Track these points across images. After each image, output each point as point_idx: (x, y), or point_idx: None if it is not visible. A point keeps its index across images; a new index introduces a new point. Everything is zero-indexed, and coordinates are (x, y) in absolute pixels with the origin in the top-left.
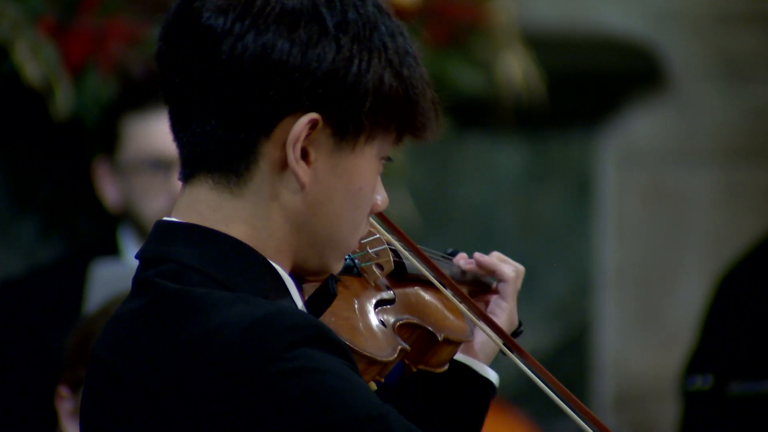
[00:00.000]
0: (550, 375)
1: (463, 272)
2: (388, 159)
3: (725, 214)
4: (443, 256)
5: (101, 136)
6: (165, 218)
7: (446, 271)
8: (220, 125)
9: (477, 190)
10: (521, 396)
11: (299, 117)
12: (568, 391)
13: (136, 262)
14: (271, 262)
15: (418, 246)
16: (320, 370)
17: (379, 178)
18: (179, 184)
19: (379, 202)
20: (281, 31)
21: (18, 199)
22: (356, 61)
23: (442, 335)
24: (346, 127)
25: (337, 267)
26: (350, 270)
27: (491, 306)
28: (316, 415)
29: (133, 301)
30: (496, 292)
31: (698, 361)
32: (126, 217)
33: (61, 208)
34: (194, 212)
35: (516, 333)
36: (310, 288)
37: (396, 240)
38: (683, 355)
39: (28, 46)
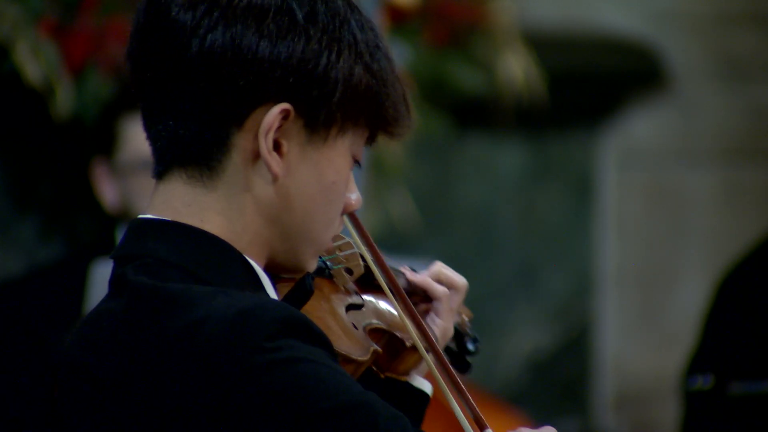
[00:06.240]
0: (468, 397)
1: (409, 283)
2: (358, 164)
3: (725, 214)
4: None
5: (99, 137)
6: (140, 216)
7: (400, 281)
8: (193, 118)
9: (477, 190)
10: (521, 396)
11: (271, 107)
12: (482, 419)
13: None
14: (247, 258)
15: (380, 253)
16: (305, 360)
17: (352, 178)
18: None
19: (353, 201)
20: (249, 23)
21: (18, 199)
22: (326, 53)
23: (410, 342)
24: (317, 117)
25: (312, 264)
26: (322, 272)
27: (427, 320)
28: (303, 405)
29: (108, 302)
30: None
31: (699, 361)
32: (124, 218)
33: (61, 208)
34: (169, 208)
35: (464, 353)
36: (284, 289)
37: (363, 244)
38: (684, 355)
39: (28, 46)
